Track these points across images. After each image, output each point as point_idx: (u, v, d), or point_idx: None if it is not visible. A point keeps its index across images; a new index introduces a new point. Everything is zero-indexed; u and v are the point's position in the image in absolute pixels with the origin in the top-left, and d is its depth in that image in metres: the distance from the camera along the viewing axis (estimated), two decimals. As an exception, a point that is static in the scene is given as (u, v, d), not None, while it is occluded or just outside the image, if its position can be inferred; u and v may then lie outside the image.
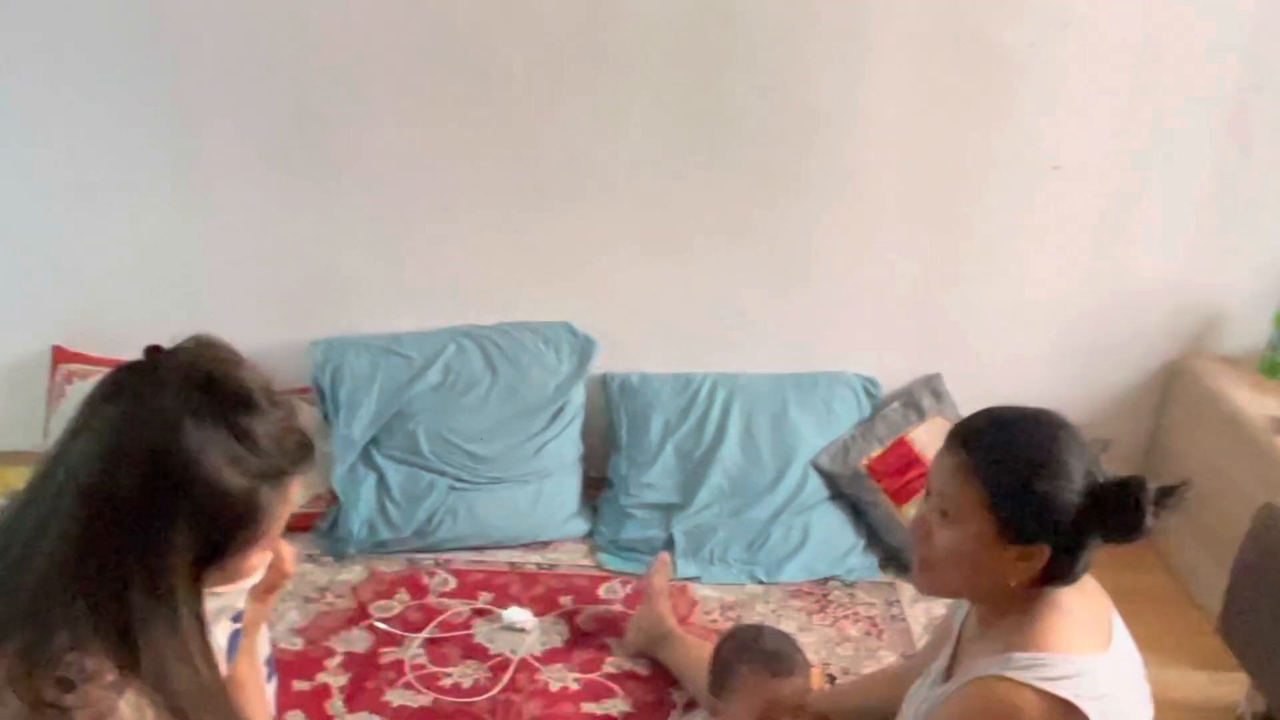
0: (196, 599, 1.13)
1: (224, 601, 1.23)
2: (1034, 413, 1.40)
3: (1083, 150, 2.70)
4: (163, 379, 1.10)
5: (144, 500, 1.07)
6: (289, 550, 1.41)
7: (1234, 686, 2.36)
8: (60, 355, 2.82)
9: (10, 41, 2.56)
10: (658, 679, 2.32)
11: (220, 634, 1.30)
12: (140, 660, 1.06)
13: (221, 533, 1.11)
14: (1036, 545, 1.34)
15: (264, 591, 1.39)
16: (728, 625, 2.49)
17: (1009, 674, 1.30)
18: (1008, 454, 1.35)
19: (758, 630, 2.10)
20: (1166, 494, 1.31)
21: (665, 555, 2.52)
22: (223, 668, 1.29)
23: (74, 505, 1.07)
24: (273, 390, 1.17)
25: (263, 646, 1.57)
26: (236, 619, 1.35)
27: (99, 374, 2.97)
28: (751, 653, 1.99)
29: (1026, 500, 1.33)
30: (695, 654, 2.25)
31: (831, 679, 2.28)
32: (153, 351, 1.14)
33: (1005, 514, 1.33)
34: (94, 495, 1.07)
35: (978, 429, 1.41)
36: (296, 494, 1.21)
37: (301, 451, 1.18)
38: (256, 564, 1.22)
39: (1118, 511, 1.30)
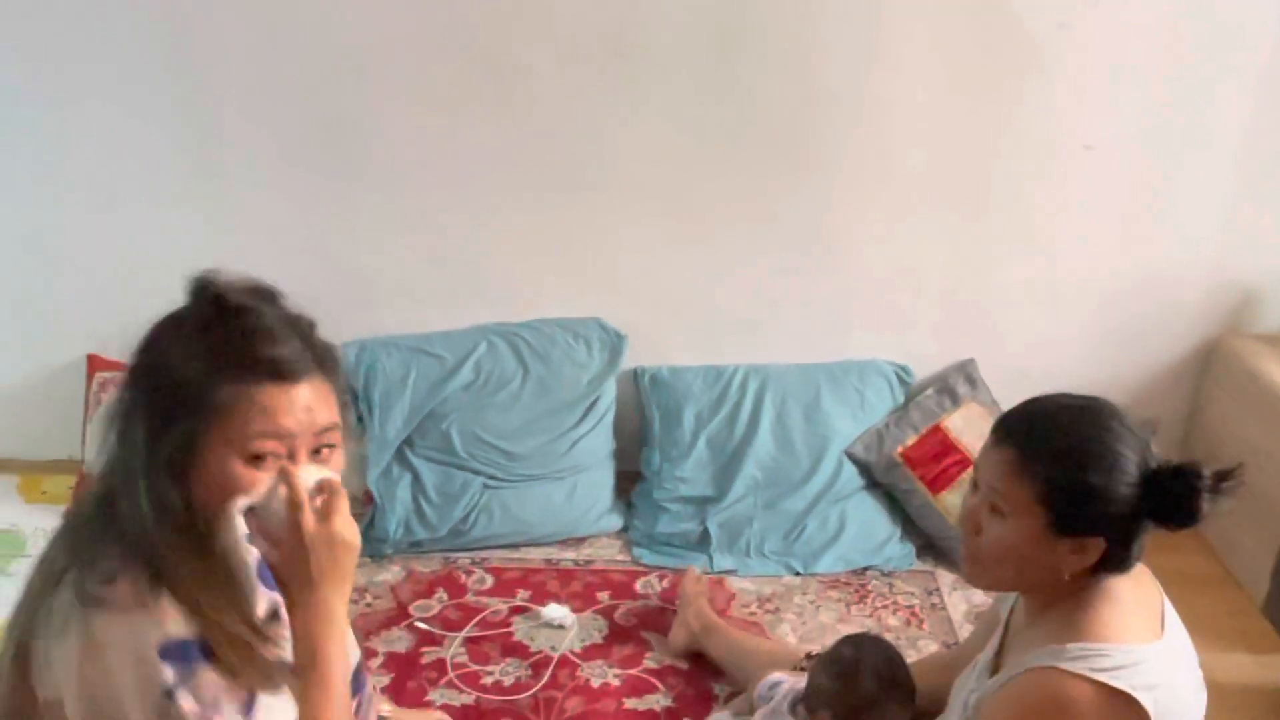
0: (176, 499, 1.19)
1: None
2: (1084, 402, 1.38)
3: (1113, 130, 2.66)
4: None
5: (122, 401, 1.21)
6: (299, 479, 1.24)
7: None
8: (95, 364, 2.84)
9: (38, 56, 2.57)
10: (699, 673, 2.31)
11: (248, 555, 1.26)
12: (152, 560, 1.17)
13: (177, 419, 1.17)
14: (1091, 538, 1.32)
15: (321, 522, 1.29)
16: (767, 618, 2.48)
17: (1063, 665, 1.29)
18: (1060, 448, 1.33)
19: (887, 658, 1.88)
20: (1222, 478, 1.28)
21: (693, 568, 2.52)
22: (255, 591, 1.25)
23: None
24: (269, 296, 1.26)
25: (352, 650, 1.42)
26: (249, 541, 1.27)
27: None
28: (891, 686, 1.82)
29: (1080, 494, 1.31)
30: (740, 644, 2.25)
31: None
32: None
33: (1058, 509, 1.32)
34: (112, 419, 1.22)
35: (1027, 422, 1.38)
36: (281, 405, 1.21)
37: (269, 360, 1.20)
38: (239, 475, 1.20)
39: (1174, 499, 1.29)
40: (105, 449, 1.22)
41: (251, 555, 1.23)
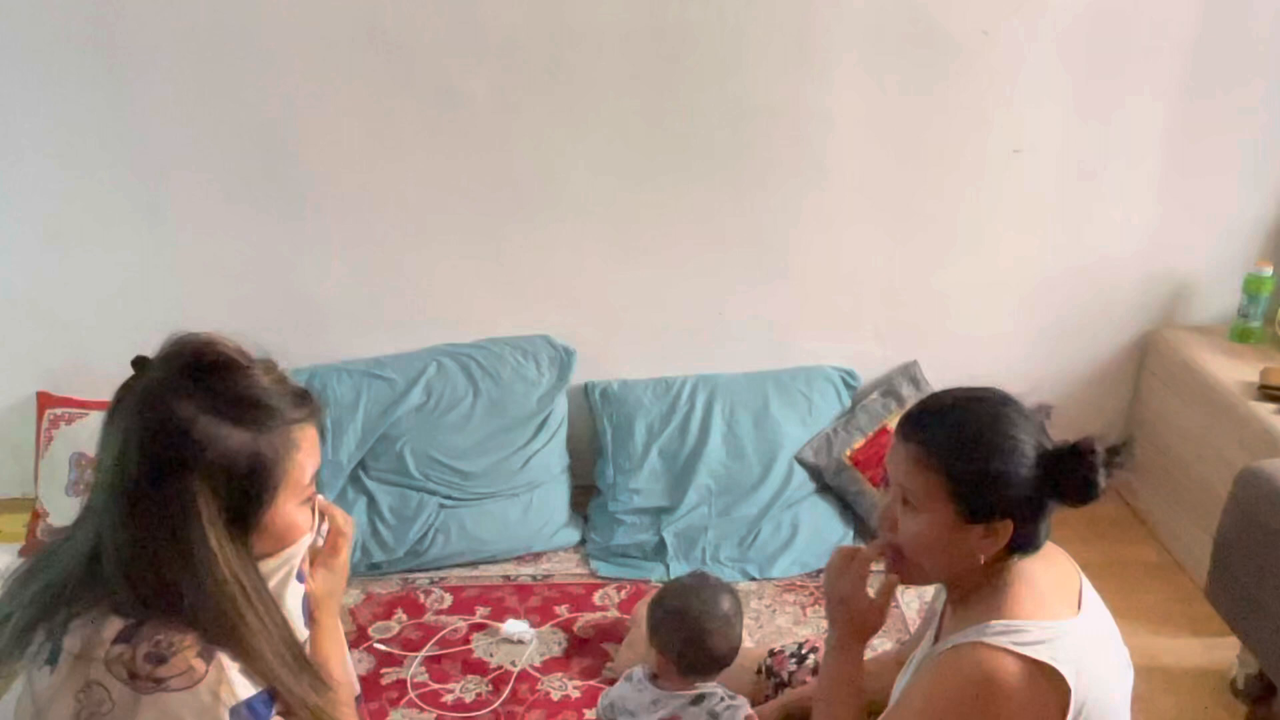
0: (247, 564, 1.21)
1: (287, 565, 1.30)
2: (977, 393, 1.43)
3: (1041, 132, 2.74)
4: (148, 377, 1.21)
5: (157, 481, 1.16)
6: (338, 510, 1.44)
7: (1226, 650, 2.39)
8: (45, 400, 2.83)
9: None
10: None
11: (293, 598, 1.34)
12: (213, 630, 1.17)
13: (239, 488, 1.19)
14: (999, 521, 1.37)
15: (329, 555, 1.43)
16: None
17: (985, 640, 1.33)
18: (959, 439, 1.38)
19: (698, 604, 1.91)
20: (1115, 452, 1.34)
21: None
22: (299, 631, 1.34)
23: (112, 512, 1.18)
24: (247, 353, 1.26)
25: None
26: (301, 579, 1.38)
27: (86, 417, 2.94)
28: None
29: (983, 482, 1.36)
30: None
31: None
32: (137, 361, 1.23)
33: (964, 497, 1.37)
34: (121, 495, 1.17)
35: (926, 418, 1.43)
36: (313, 444, 1.28)
37: (296, 399, 1.25)
38: (298, 520, 1.28)
39: (1071, 475, 1.34)
40: (122, 533, 1.18)
41: (300, 593, 1.33)
